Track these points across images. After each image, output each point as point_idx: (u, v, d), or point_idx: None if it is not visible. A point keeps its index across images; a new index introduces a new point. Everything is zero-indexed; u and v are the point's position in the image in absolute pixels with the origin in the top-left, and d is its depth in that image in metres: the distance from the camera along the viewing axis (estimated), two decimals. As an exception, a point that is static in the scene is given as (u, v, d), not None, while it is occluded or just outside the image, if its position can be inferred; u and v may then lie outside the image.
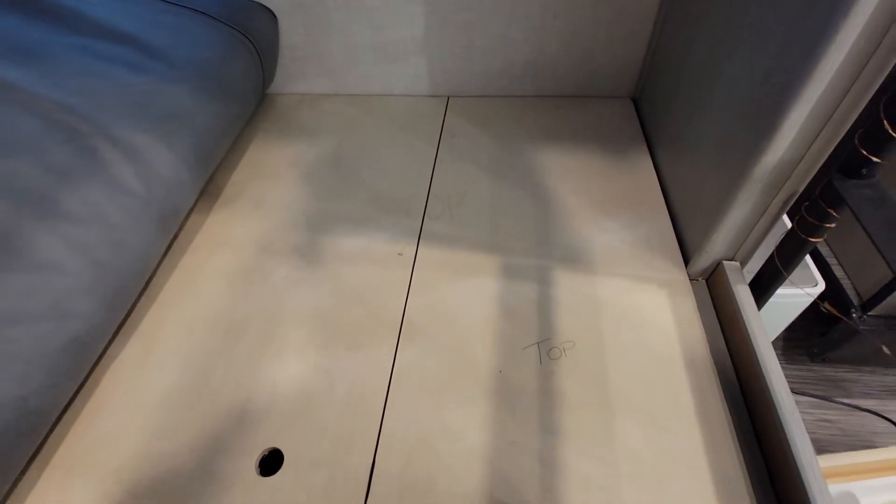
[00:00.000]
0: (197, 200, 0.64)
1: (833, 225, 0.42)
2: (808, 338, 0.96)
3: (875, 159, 0.36)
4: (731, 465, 0.42)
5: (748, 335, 0.47)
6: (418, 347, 0.50)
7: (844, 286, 0.90)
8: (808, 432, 0.81)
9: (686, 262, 0.56)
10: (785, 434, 0.40)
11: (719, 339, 0.51)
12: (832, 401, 0.90)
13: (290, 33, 0.76)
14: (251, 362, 0.50)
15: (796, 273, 0.71)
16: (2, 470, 0.38)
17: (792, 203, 0.45)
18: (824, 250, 0.98)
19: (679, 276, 0.55)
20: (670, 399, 0.46)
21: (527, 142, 0.73)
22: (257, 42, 0.69)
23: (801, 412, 0.93)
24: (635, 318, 0.52)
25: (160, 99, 0.55)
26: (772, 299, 0.69)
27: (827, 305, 0.86)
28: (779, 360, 0.95)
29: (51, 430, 0.45)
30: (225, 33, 0.65)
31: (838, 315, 0.82)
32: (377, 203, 0.65)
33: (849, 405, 0.87)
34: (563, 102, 0.80)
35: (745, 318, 0.48)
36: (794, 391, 0.93)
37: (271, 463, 0.43)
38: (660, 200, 0.63)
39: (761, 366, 0.45)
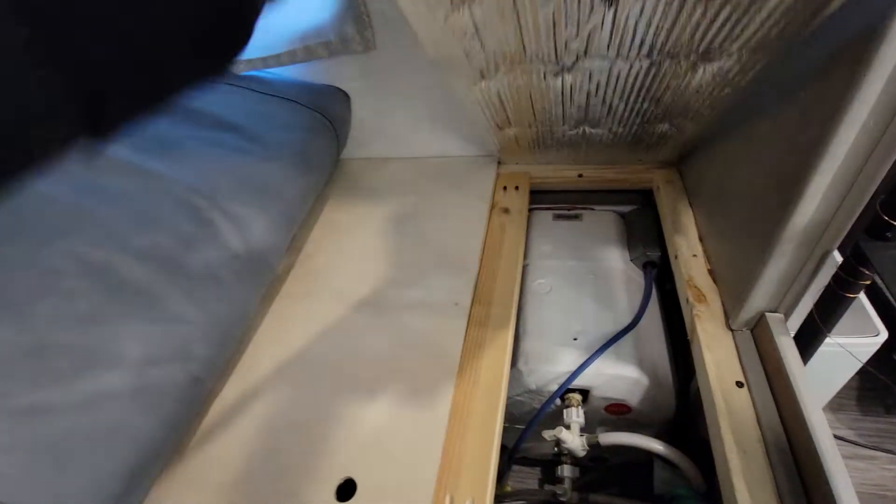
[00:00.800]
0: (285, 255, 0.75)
1: (868, 282, 0.44)
2: (885, 389, 0.90)
3: (897, 224, 0.39)
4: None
5: (792, 385, 0.49)
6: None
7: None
8: (889, 490, 0.80)
9: (725, 314, 0.59)
10: (829, 485, 0.41)
11: (764, 388, 0.53)
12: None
13: (360, 109, 0.88)
14: (329, 399, 0.57)
15: (856, 323, 0.69)
16: (143, 478, 0.47)
17: (826, 259, 0.47)
18: None
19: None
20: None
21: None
22: (334, 120, 0.81)
23: (882, 468, 0.87)
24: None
25: (258, 175, 0.67)
26: (831, 348, 0.68)
27: (899, 354, 0.82)
28: (854, 411, 0.93)
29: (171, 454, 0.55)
30: (308, 116, 0.78)
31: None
32: (435, 256, 0.73)
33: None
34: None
35: (788, 368, 0.50)
36: (869, 446, 0.88)
37: (346, 491, 0.50)
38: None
39: (805, 416, 0.46)
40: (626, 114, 0.65)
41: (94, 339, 0.46)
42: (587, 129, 0.71)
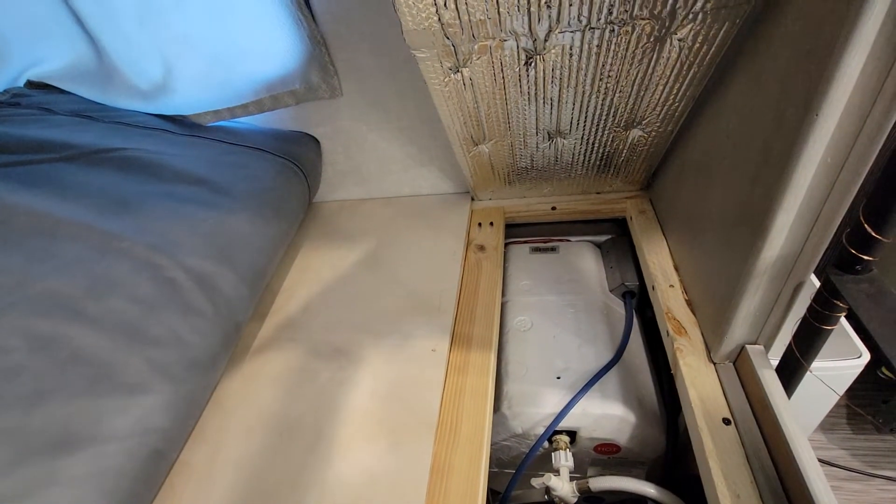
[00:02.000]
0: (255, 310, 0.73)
1: (843, 314, 0.43)
2: (872, 406, 0.90)
3: (864, 257, 0.39)
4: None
5: (778, 420, 0.47)
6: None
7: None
8: None
9: (707, 346, 0.58)
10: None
11: (752, 424, 0.51)
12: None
13: (332, 153, 0.88)
14: (303, 461, 0.54)
15: (837, 345, 0.69)
16: None
17: (800, 291, 0.47)
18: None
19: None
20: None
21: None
22: (304, 166, 0.80)
23: (879, 489, 0.85)
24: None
25: (224, 229, 0.65)
26: (817, 373, 0.67)
27: (884, 370, 0.82)
28: (846, 430, 0.91)
29: (132, 536, 0.50)
30: (277, 164, 0.77)
31: (893, 378, 0.78)
32: (410, 300, 0.71)
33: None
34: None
35: (773, 402, 0.49)
36: (857, 471, 0.86)
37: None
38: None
39: (793, 453, 0.44)
40: (598, 113, 0.64)
41: (39, 420, 0.43)
42: (559, 142, 0.71)
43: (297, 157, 0.80)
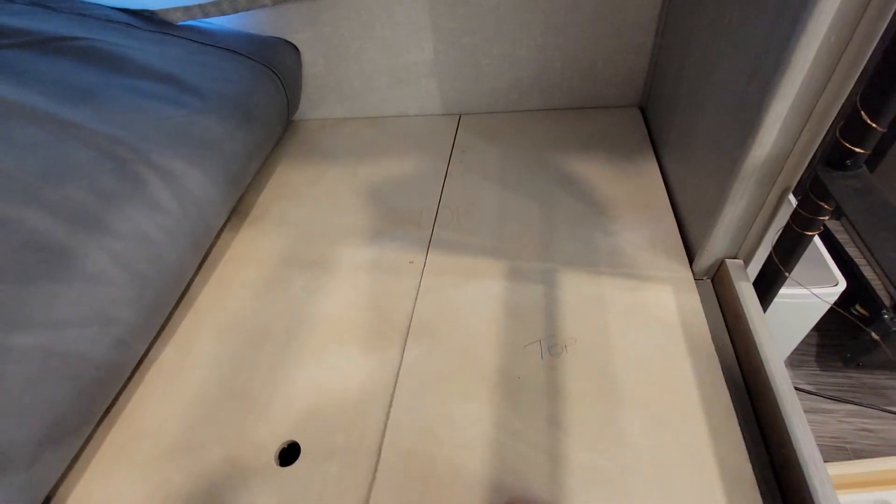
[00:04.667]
0: (228, 219, 0.70)
1: (827, 217, 0.42)
2: (842, 343, 0.92)
3: (857, 150, 0.37)
4: (737, 458, 0.42)
5: (751, 332, 0.47)
6: (425, 347, 0.53)
7: (876, 287, 0.86)
8: (847, 442, 0.80)
9: (691, 261, 0.57)
10: (788, 431, 0.40)
11: (725, 336, 0.51)
12: (876, 408, 0.85)
13: (312, 64, 0.83)
14: (273, 364, 0.54)
15: (815, 273, 0.69)
16: (60, 445, 0.43)
17: (787, 197, 0.46)
18: (853, 251, 0.94)
19: (684, 274, 0.56)
20: (675, 394, 0.46)
21: (534, 153, 0.76)
22: (282, 74, 0.76)
23: (839, 421, 0.89)
24: (639, 315, 0.53)
25: (193, 128, 0.62)
26: (790, 300, 0.68)
27: (857, 307, 0.83)
28: (814, 366, 0.93)
29: (98, 424, 0.50)
30: (251, 68, 0.72)
31: (866, 315, 0.79)
32: (391, 216, 0.69)
33: (890, 412, 0.82)
34: (571, 114, 0.83)
35: (747, 314, 0.48)
36: (831, 398, 0.89)
37: (290, 454, 0.47)
38: (665, 203, 0.64)
39: (763, 361, 0.45)
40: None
41: (-7, 298, 0.41)
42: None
43: (274, 63, 0.75)
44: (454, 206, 0.69)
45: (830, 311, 0.74)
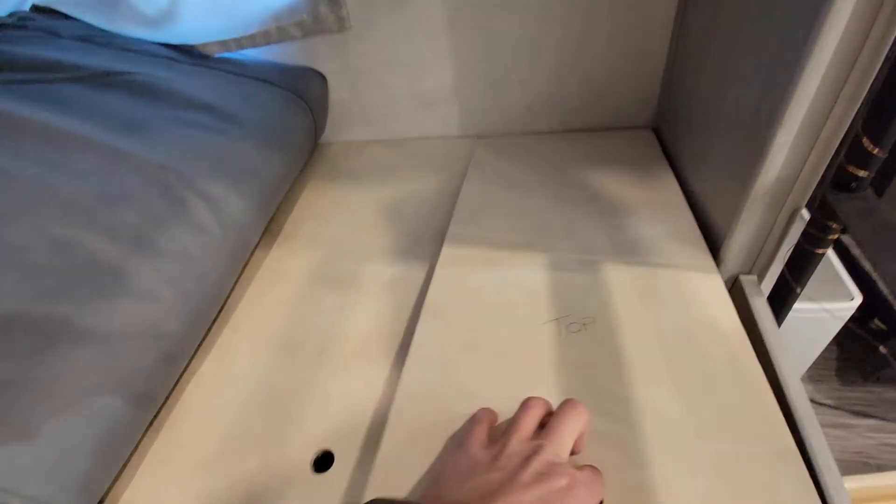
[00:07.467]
0: (261, 239, 0.74)
1: (835, 236, 0.44)
2: (863, 357, 0.92)
3: (860, 173, 0.39)
4: (770, 424, 0.41)
5: (766, 345, 0.49)
6: (436, 325, 0.55)
7: (894, 302, 0.86)
8: (870, 457, 0.81)
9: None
10: (804, 443, 0.41)
11: (740, 350, 0.53)
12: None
13: (339, 90, 0.88)
14: (306, 376, 0.57)
15: (831, 288, 0.70)
16: (113, 456, 0.46)
17: (797, 217, 0.48)
18: (869, 266, 0.95)
19: (705, 261, 0.56)
20: (700, 367, 0.46)
21: (550, 166, 0.79)
22: (310, 101, 0.81)
23: (861, 437, 0.88)
24: (660, 296, 0.53)
25: (233, 155, 0.66)
26: (807, 314, 0.69)
27: (876, 321, 0.83)
28: (834, 381, 0.93)
29: (144, 434, 0.53)
30: (283, 96, 0.77)
31: (885, 329, 0.79)
32: (413, 234, 0.72)
33: (912, 428, 0.82)
34: (585, 135, 0.86)
35: (762, 328, 0.50)
36: (853, 412, 0.89)
37: (324, 462, 0.49)
38: (685, 210, 0.65)
39: (779, 373, 0.46)
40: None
41: (61, 313, 0.45)
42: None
43: (303, 92, 0.80)
44: (472, 209, 0.72)
45: (848, 325, 0.75)
